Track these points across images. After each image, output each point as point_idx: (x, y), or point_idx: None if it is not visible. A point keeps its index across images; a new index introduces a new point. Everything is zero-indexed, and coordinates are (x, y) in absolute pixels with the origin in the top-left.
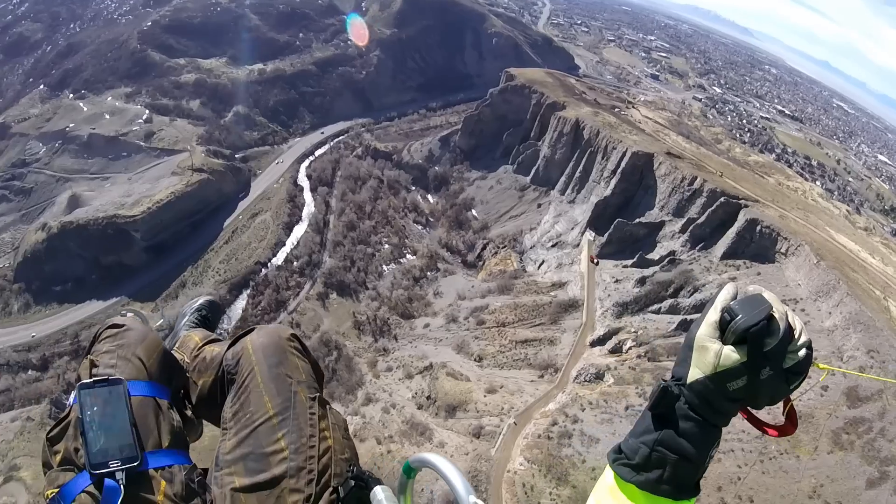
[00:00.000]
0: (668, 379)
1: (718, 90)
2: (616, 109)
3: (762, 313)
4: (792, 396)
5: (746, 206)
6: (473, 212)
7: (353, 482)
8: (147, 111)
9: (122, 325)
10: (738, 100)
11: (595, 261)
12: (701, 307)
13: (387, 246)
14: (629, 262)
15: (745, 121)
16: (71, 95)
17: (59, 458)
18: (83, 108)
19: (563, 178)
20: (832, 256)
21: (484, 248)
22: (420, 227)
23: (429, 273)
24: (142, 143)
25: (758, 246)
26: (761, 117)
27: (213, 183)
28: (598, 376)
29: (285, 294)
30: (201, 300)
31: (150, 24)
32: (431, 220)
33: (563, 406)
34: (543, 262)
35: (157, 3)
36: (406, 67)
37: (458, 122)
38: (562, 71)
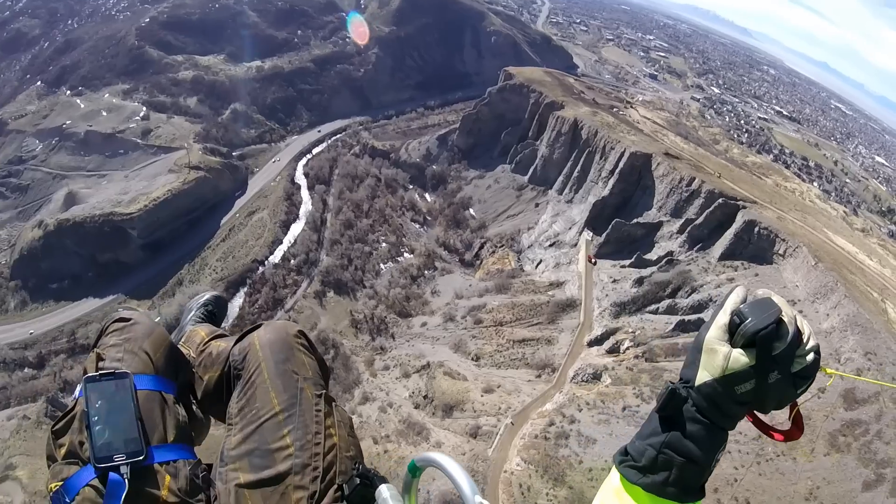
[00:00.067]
0: (676, 381)
1: (717, 90)
2: (614, 109)
3: (772, 317)
4: (798, 401)
5: (744, 207)
6: (471, 211)
7: (358, 480)
8: (144, 108)
9: (130, 319)
10: (737, 100)
11: (593, 261)
12: (699, 308)
13: (384, 244)
14: (627, 262)
15: (742, 121)
16: (68, 92)
17: (63, 451)
18: (80, 104)
19: (560, 178)
20: (830, 258)
21: (481, 247)
22: (417, 226)
23: (426, 272)
24: (139, 141)
25: (756, 247)
26: (759, 118)
27: (210, 181)
28: (596, 376)
29: (282, 292)
30: (207, 295)
31: (147, 20)
32: (429, 218)
33: (560, 406)
34: (541, 261)
35: None
36: (404, 65)
37: (456, 120)
38: (560, 70)
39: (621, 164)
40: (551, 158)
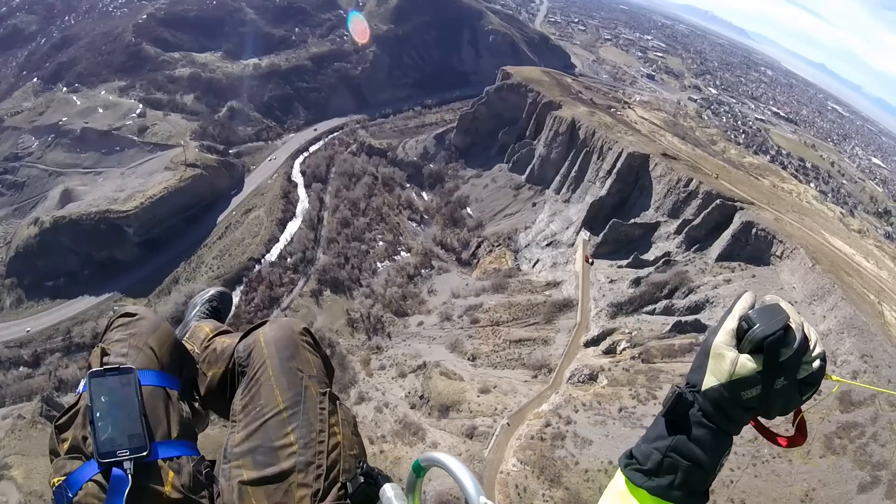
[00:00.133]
0: (683, 385)
1: (714, 91)
2: (612, 109)
3: (779, 323)
4: (803, 408)
5: (742, 208)
6: (468, 210)
7: (362, 478)
8: (141, 105)
9: (135, 314)
10: (734, 101)
11: (590, 260)
12: (696, 309)
13: (381, 243)
14: (624, 262)
15: (740, 122)
16: (64, 89)
17: (66, 445)
18: (76, 101)
19: (558, 178)
20: (827, 260)
21: (478, 246)
22: (414, 225)
23: (423, 271)
24: (135, 138)
25: (753, 248)
26: (756, 119)
27: (206, 178)
28: (592, 377)
29: (279, 291)
30: (212, 291)
31: (145, 17)
32: (426, 217)
33: (556, 407)
34: (538, 261)
35: None
36: (402, 64)
37: (453, 119)
38: (558, 69)
39: (619, 165)
40: (549, 158)
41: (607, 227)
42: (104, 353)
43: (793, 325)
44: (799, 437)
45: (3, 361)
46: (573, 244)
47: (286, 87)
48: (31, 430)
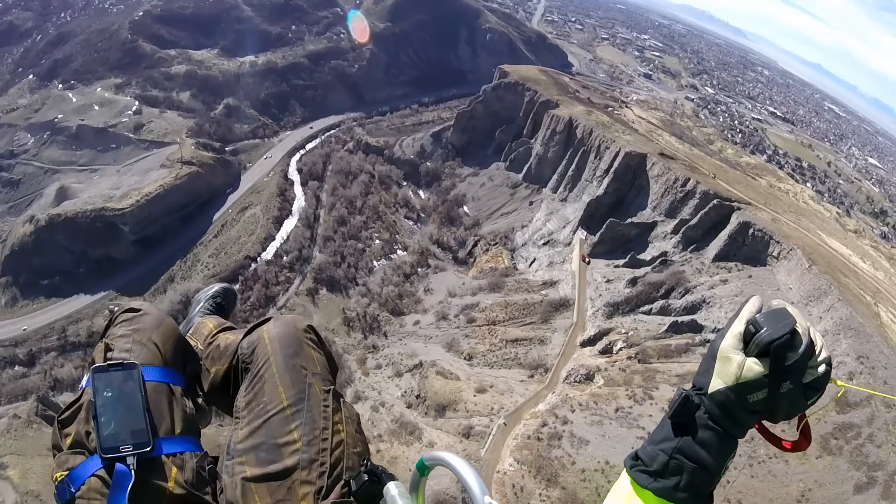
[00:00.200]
0: (689, 388)
1: (711, 90)
2: (609, 109)
3: (786, 327)
4: (807, 412)
5: (739, 208)
6: (465, 208)
7: (365, 476)
8: (137, 102)
9: (139, 310)
10: (731, 100)
11: (587, 260)
12: (692, 309)
13: (377, 241)
14: (621, 262)
15: (737, 122)
16: (60, 86)
17: (69, 441)
18: (72, 98)
19: (555, 177)
20: (824, 261)
21: (475, 245)
22: (411, 223)
23: (419, 269)
24: (131, 135)
25: (750, 249)
26: (753, 118)
27: (202, 176)
28: (589, 377)
29: (275, 289)
30: (216, 287)
31: (141, 14)
32: (423, 215)
33: (552, 407)
34: (535, 260)
35: None
36: (399, 62)
37: (450, 117)
38: (555, 68)
39: (616, 164)
40: (546, 157)
41: (604, 226)
42: (108, 348)
43: (799, 330)
44: (803, 441)
45: None
46: (570, 243)
47: (283, 84)
48: (26, 429)
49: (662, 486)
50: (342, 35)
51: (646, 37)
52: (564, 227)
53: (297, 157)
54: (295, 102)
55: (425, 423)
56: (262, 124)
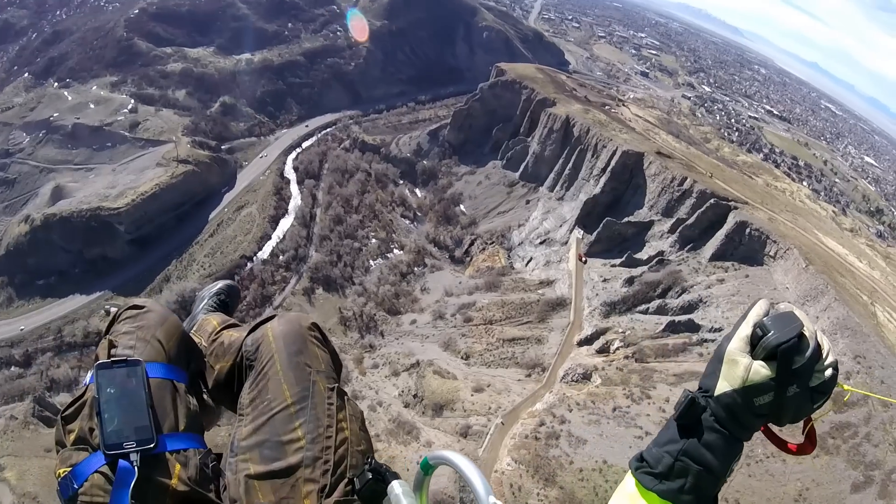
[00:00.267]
0: (696, 390)
1: (707, 89)
2: (606, 107)
3: (794, 331)
4: (813, 416)
5: (736, 207)
6: (461, 207)
7: (369, 475)
8: (132, 101)
9: (143, 307)
10: (727, 99)
11: (583, 259)
12: (689, 308)
13: (374, 240)
14: (617, 261)
15: (733, 120)
16: (56, 84)
17: (72, 437)
18: (68, 97)
19: (552, 175)
20: (821, 261)
21: (472, 243)
22: (407, 222)
23: (416, 268)
24: (127, 134)
25: (747, 248)
26: (750, 117)
27: (198, 175)
28: (586, 376)
29: (271, 289)
30: (220, 284)
31: (137, 11)
32: (419, 214)
33: (550, 406)
34: (531, 259)
35: None
36: (396, 60)
37: (447, 115)
38: (552, 66)
39: (613, 163)
40: (543, 155)
41: (601, 225)
42: (112, 345)
43: (807, 334)
44: (808, 445)
45: None
46: (566, 242)
47: (279, 82)
48: (23, 430)
49: (667, 488)
50: (339, 33)
51: (642, 35)
52: (561, 226)
53: (293, 155)
54: (291, 100)
55: (423, 423)
56: (258, 122)
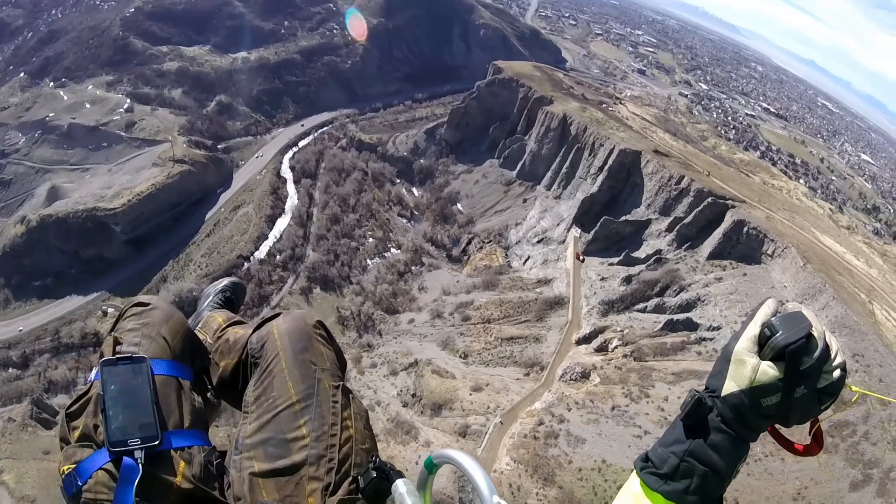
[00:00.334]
0: (702, 390)
1: (704, 86)
2: (603, 105)
3: (802, 331)
4: (820, 417)
5: (733, 206)
6: (459, 206)
7: (374, 473)
8: (128, 100)
9: (148, 304)
10: (724, 96)
11: (581, 258)
12: (687, 307)
13: (371, 240)
14: (615, 259)
15: (730, 118)
16: (51, 84)
17: (77, 434)
18: (63, 96)
19: (549, 174)
20: (818, 259)
21: (469, 242)
22: (405, 221)
23: (413, 267)
24: (123, 134)
25: (744, 247)
26: (746, 114)
27: (194, 174)
28: (584, 375)
29: (268, 289)
30: (225, 281)
31: (132, 10)
32: (416, 213)
33: (549, 405)
34: (529, 257)
35: None
36: (392, 58)
37: (444, 114)
38: (549, 64)
39: (610, 161)
40: (540, 154)
41: (598, 224)
42: (117, 341)
43: (815, 334)
44: (815, 446)
45: None
46: (564, 241)
47: (275, 80)
48: (21, 433)
49: (673, 489)
50: (335, 30)
51: (639, 32)
52: (558, 224)
53: (289, 154)
54: (288, 99)
55: (421, 423)
56: (254, 121)
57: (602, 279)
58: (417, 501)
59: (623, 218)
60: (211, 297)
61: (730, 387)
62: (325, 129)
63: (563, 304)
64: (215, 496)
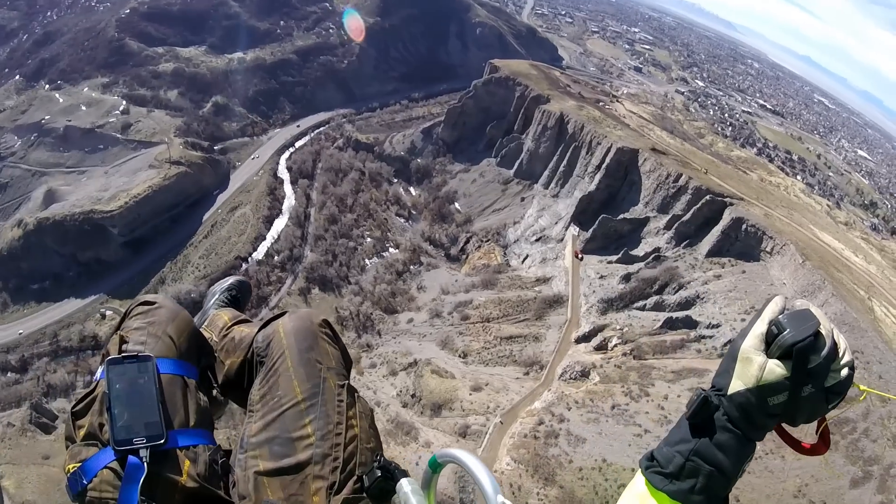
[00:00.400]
0: (708, 388)
1: (701, 83)
2: (600, 103)
3: (810, 329)
4: (827, 416)
5: (731, 204)
6: (456, 205)
7: (379, 472)
8: (124, 102)
9: (154, 303)
10: (721, 93)
11: (579, 256)
12: (686, 305)
13: (369, 239)
14: (614, 258)
15: (727, 115)
16: (47, 86)
17: (82, 432)
18: (59, 99)
19: (546, 172)
20: (817, 256)
21: (467, 241)
22: (402, 221)
23: (412, 267)
24: (119, 136)
25: (743, 244)
26: (743, 111)
27: (191, 176)
28: (584, 374)
29: (266, 290)
30: (231, 280)
31: (128, 11)
32: (414, 213)
33: (549, 405)
34: (527, 256)
35: None
36: (389, 57)
37: (441, 113)
38: (546, 62)
39: (608, 160)
40: (537, 152)
41: (596, 222)
42: (123, 340)
43: (823, 332)
44: (821, 445)
45: None
46: (562, 239)
47: (271, 81)
48: (20, 437)
49: (678, 488)
50: (331, 30)
51: (636, 30)
52: (557, 223)
53: (286, 155)
54: (284, 99)
55: (421, 423)
56: (251, 122)
57: (601, 277)
58: (422, 500)
59: (621, 216)
60: (217, 296)
61: (736, 385)
62: (321, 129)
63: (562, 303)
64: (220, 495)
